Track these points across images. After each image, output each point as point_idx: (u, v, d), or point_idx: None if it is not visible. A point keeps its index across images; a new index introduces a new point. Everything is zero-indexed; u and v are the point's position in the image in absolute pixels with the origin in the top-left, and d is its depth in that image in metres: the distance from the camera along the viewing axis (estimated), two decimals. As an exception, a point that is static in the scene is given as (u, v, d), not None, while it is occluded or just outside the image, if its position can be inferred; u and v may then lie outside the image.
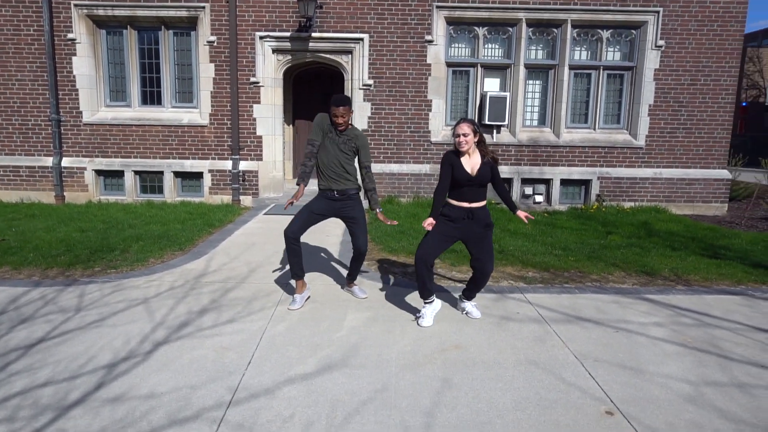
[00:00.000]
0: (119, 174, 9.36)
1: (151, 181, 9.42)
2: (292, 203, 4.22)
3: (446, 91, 9.48)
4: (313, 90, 10.46)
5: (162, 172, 9.32)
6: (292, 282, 4.95)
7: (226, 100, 9.12)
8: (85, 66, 8.99)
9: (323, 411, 2.81)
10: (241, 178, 9.31)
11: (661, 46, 9.16)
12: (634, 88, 9.43)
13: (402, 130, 9.40)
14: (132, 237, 6.42)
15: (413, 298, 4.60)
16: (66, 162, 9.21)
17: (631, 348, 3.63)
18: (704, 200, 9.57)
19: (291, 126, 10.47)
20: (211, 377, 3.15)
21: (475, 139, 3.86)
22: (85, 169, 9.22)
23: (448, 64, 9.39)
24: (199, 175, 9.38)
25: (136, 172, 9.33)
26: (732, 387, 3.12)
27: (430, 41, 9.14)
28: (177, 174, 9.36)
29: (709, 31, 9.16)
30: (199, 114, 9.24)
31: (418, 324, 3.99)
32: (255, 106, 9.18)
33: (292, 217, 4.16)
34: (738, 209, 9.81)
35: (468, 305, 4.22)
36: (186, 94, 9.37)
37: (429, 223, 3.88)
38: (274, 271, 5.32)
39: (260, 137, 9.30)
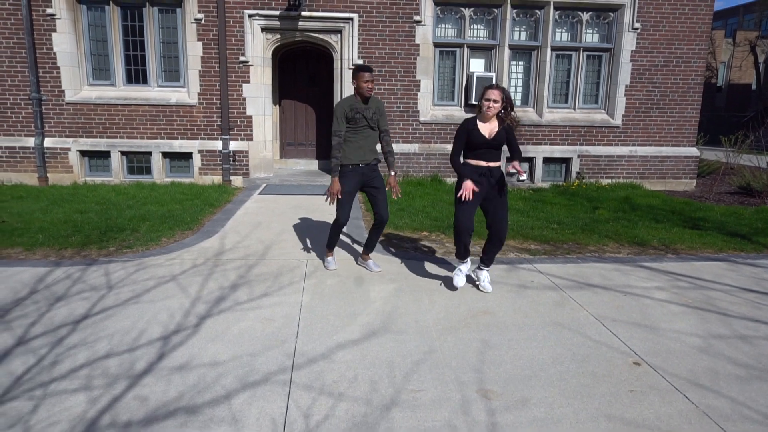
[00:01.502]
0: (105, 155, 9.18)
1: (138, 161, 9.29)
2: (336, 198, 4.52)
3: (434, 71, 9.66)
4: (299, 70, 10.45)
5: (150, 153, 9.20)
6: (311, 259, 5.11)
7: (215, 80, 9.04)
8: (66, 43, 8.72)
9: (383, 371, 3.04)
10: (231, 159, 9.30)
11: (637, 29, 9.59)
12: (612, 69, 9.86)
13: (391, 110, 9.55)
14: (137, 217, 6.42)
15: (431, 269, 4.85)
16: (48, 142, 8.97)
17: (641, 309, 4.00)
18: (675, 176, 10.17)
19: (277, 106, 10.46)
20: (265, 346, 3.32)
21: (502, 107, 4.01)
22: (69, 149, 9.01)
23: (436, 45, 9.57)
24: (188, 156, 9.31)
25: (123, 153, 9.18)
26: (735, 338, 3.52)
27: (419, 21, 9.28)
28: (165, 154, 9.26)
29: (681, 15, 9.64)
30: (187, 93, 9.13)
31: (453, 283, 4.25)
32: (245, 85, 9.14)
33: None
34: (704, 185, 10.47)
35: (483, 275, 4.39)
36: (173, 73, 9.22)
37: (469, 188, 3.92)
38: (288, 248, 5.46)
39: (250, 117, 9.28)
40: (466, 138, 4.06)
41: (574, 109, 10.03)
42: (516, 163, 4.00)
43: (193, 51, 8.92)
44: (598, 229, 6.33)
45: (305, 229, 6.28)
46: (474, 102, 9.53)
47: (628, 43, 9.64)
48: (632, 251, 5.58)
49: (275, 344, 3.35)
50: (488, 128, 4.05)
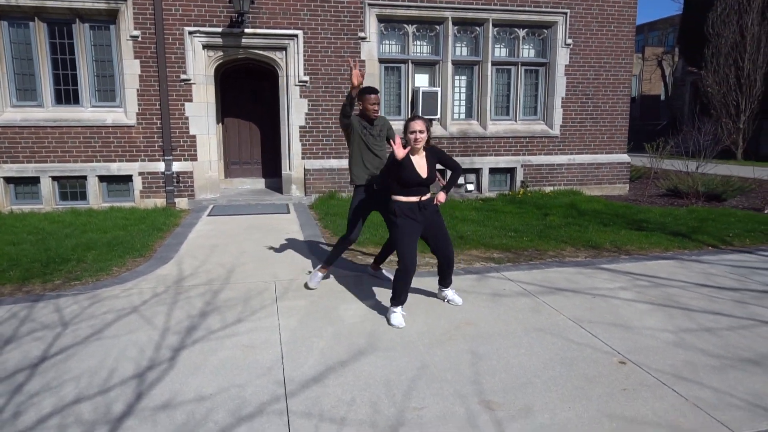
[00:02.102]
0: (34, 181, 8.51)
1: (72, 187, 8.69)
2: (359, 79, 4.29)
3: (380, 86, 9.74)
4: (241, 87, 10.21)
5: (85, 177, 8.62)
6: (308, 273, 4.96)
7: (154, 99, 8.65)
8: (-15, 62, 8.06)
9: (380, 391, 2.96)
10: (175, 180, 8.90)
11: (569, 44, 10.14)
12: (548, 83, 10.35)
13: (339, 126, 9.49)
14: (80, 246, 5.96)
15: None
16: (-33, 170, 8.21)
17: (611, 309, 4.16)
18: (610, 182, 10.78)
19: (220, 124, 10.14)
20: (251, 375, 3.15)
21: (427, 137, 3.86)
22: (-9, 177, 8.28)
23: (381, 61, 9.66)
24: (127, 179, 8.80)
25: (54, 178, 8.55)
26: (702, 331, 3.73)
27: (363, 38, 9.35)
28: (102, 178, 8.72)
29: (608, 32, 10.31)
30: (124, 113, 8.67)
31: (389, 323, 3.89)
32: (187, 104, 8.80)
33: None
34: (635, 189, 11.15)
35: (449, 293, 4.35)
36: (108, 93, 8.73)
37: (402, 148, 3.71)
38: (252, 271, 5.26)
39: (194, 137, 8.94)
40: (397, 174, 3.82)
41: (516, 120, 10.43)
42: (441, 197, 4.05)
43: (130, 69, 8.50)
44: (553, 235, 6.56)
45: (265, 249, 6.08)
46: (421, 116, 9.66)
47: (562, 57, 10.17)
48: (589, 254, 5.82)
49: (262, 372, 3.18)
50: (422, 164, 3.87)
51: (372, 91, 4.46)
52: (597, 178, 10.69)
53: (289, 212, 8.41)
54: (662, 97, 34.05)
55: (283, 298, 4.46)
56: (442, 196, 3.99)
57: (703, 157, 12.50)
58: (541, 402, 2.84)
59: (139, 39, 8.44)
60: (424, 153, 3.91)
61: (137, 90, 8.57)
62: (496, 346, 3.52)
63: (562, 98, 10.30)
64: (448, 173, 4.37)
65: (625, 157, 10.82)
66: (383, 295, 4.54)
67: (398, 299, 3.95)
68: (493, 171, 10.34)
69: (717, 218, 7.52)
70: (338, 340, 3.64)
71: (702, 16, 20.67)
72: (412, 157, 3.85)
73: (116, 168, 8.69)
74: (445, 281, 4.35)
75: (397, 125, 9.93)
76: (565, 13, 10.01)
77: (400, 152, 3.69)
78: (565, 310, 4.15)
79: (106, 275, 5.09)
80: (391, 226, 4.04)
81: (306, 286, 4.73)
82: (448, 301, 4.35)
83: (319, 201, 9.20)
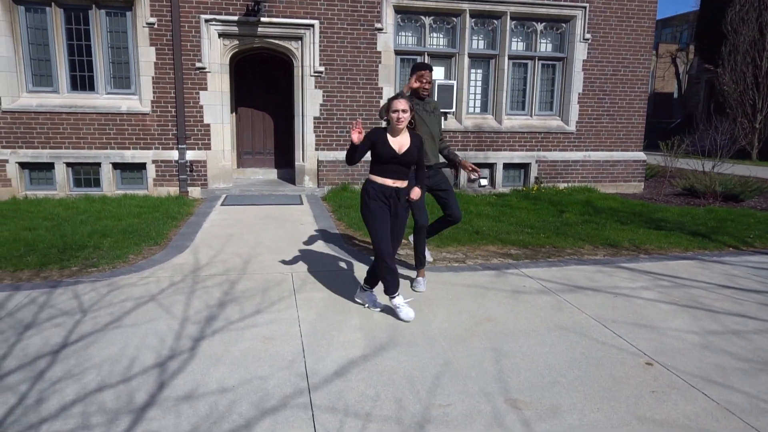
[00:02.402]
0: (48, 166, 8.52)
1: (86, 173, 8.69)
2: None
3: (395, 79, 9.65)
4: (255, 77, 10.15)
5: (99, 164, 8.62)
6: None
7: (169, 87, 8.61)
8: (2, 46, 8.04)
9: (404, 387, 2.92)
10: (188, 169, 8.88)
11: (588, 39, 10.00)
12: (565, 78, 10.22)
13: (354, 117, 9.45)
14: (95, 233, 5.95)
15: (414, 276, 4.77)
16: (-17, 154, 8.22)
17: (635, 309, 4.09)
18: (625, 180, 10.66)
19: (234, 114, 10.10)
20: (273, 367, 3.12)
21: (411, 117, 3.74)
22: (6, 161, 8.29)
23: (397, 53, 9.57)
24: (141, 166, 8.79)
25: (69, 164, 8.55)
26: (728, 334, 3.66)
27: (380, 29, 9.26)
28: (116, 165, 8.71)
29: (627, 27, 10.15)
30: (139, 101, 8.64)
31: (399, 317, 3.84)
32: (202, 92, 8.76)
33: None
34: (650, 187, 11.03)
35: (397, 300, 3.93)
36: (123, 80, 8.71)
37: (358, 131, 3.60)
38: (269, 262, 5.23)
39: (208, 125, 8.91)
40: (371, 148, 3.72)
41: (531, 116, 10.32)
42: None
43: (146, 56, 8.46)
44: (571, 232, 6.49)
45: (280, 240, 6.05)
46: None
47: (580, 52, 10.04)
48: (608, 253, 5.75)
49: (284, 365, 3.15)
50: (398, 142, 3.74)
51: (424, 67, 4.33)
52: (612, 176, 10.57)
53: (302, 203, 8.37)
54: (675, 95, 33.69)
55: (301, 290, 4.43)
56: (416, 192, 3.89)
57: (719, 156, 12.35)
58: (568, 402, 2.79)
59: (155, 26, 8.40)
60: (407, 135, 3.78)
61: (152, 77, 8.53)
62: (520, 344, 3.47)
63: (579, 94, 10.18)
64: (473, 171, 4.47)
65: (641, 155, 10.69)
66: (403, 288, 4.49)
67: (389, 287, 3.82)
68: (507, 166, 10.25)
69: (736, 219, 7.41)
70: (358, 334, 3.60)
71: (719, 13, 20.36)
72: (391, 138, 3.73)
73: (130, 155, 8.68)
74: (374, 281, 4.04)
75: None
76: (584, 8, 9.86)
77: (354, 136, 3.60)
78: (587, 308, 4.09)
79: (123, 263, 5.07)
80: (363, 207, 3.82)
81: (415, 290, 4.49)
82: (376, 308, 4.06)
83: (331, 193, 9.15)
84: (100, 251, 5.37)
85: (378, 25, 9.22)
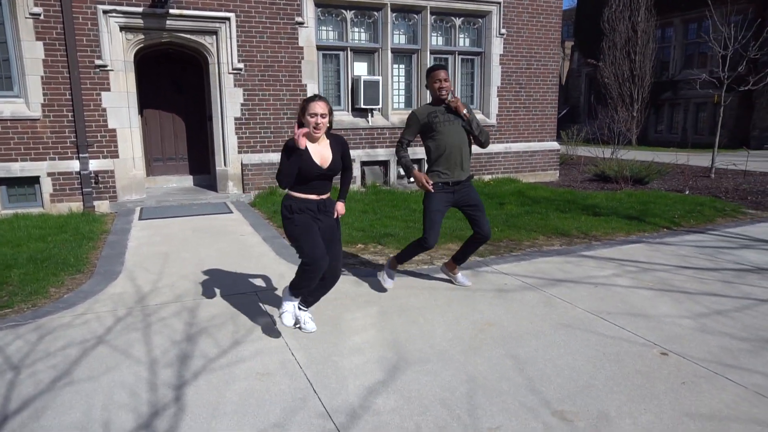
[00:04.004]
0: None
1: (-38, 193, 7.29)
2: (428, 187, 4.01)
3: (318, 75, 9.23)
4: (162, 75, 9.18)
5: (-21, 181, 7.28)
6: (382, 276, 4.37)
7: (64, 87, 7.48)
8: None
9: (442, 413, 2.64)
10: (93, 180, 7.79)
11: (503, 34, 10.27)
12: (484, 72, 10.43)
13: (278, 116, 8.89)
14: (-4, 266, 4.94)
15: (401, 284, 4.50)
16: None
17: (621, 298, 4.14)
18: (543, 169, 11.14)
19: (140, 116, 9.06)
20: (286, 409, 2.68)
21: (329, 121, 3.23)
22: None
23: (319, 48, 9.14)
24: (33, 180, 7.56)
25: (-62, 183, 7.12)
26: (715, 314, 3.81)
27: (301, 23, 8.77)
28: (1, 181, 7.41)
29: (537, 23, 10.57)
30: (26, 104, 7.41)
31: (302, 328, 3.46)
32: (104, 93, 7.72)
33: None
34: (564, 175, 11.64)
35: (305, 316, 3.46)
36: (2, 80, 7.41)
37: (302, 133, 3.09)
38: (224, 281, 4.65)
39: (114, 131, 7.88)
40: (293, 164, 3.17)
41: (454, 110, 10.38)
42: (339, 206, 3.51)
43: (32, 53, 7.26)
44: (520, 224, 6.56)
45: (225, 255, 5.44)
46: (363, 106, 9.33)
47: (497, 47, 10.28)
48: (563, 242, 5.86)
49: (296, 405, 2.73)
50: (320, 152, 3.26)
51: (438, 66, 4.02)
52: (531, 165, 11.00)
53: (231, 212, 7.70)
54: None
55: (275, 311, 3.95)
56: (341, 207, 3.51)
57: (617, 143, 13.36)
58: (613, 406, 2.68)
59: (42, 17, 7.23)
60: (327, 141, 3.32)
61: (42, 77, 7.35)
62: (533, 348, 3.32)
63: (498, 87, 10.43)
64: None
65: (555, 145, 11.23)
66: (387, 298, 4.19)
67: (297, 289, 3.32)
68: (435, 161, 10.23)
69: (655, 201, 7.98)
70: (362, 355, 3.25)
71: (595, 11, 22.18)
72: (311, 149, 3.23)
73: (18, 168, 7.42)
74: (312, 300, 3.52)
75: (337, 116, 9.51)
76: (499, 3, 10.10)
77: (301, 141, 3.08)
78: (577, 302, 4.07)
79: (44, 299, 4.23)
80: (287, 225, 3.31)
81: (382, 287, 4.33)
82: (298, 327, 3.48)
83: (260, 198, 8.54)
84: (8, 286, 4.44)
85: (299, 19, 8.72)
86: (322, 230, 3.36)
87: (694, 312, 3.85)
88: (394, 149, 9.68)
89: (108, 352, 3.30)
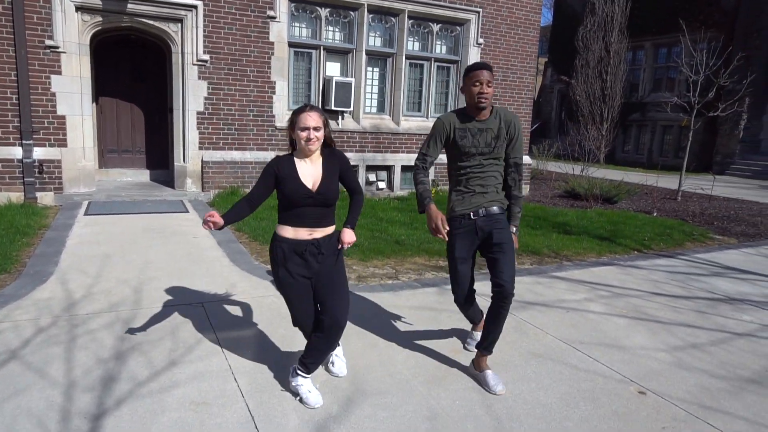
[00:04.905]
0: None
1: None
2: (443, 232, 2.84)
3: (289, 73, 8.84)
4: (121, 61, 8.64)
5: None
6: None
7: (9, 67, 6.89)
8: None
9: (400, 458, 2.32)
10: (37, 170, 7.20)
11: (481, 44, 10.10)
12: (459, 81, 10.23)
13: (244, 113, 8.46)
14: None
15: (360, 302, 4.17)
16: None
17: (593, 326, 3.92)
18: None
19: (95, 104, 8.49)
20: (219, 448, 2.32)
21: (324, 135, 2.68)
22: None
23: (291, 45, 8.76)
24: (-32, 167, 6.93)
25: None
26: (690, 348, 3.62)
27: (273, 17, 8.38)
28: (-69, 165, 6.76)
29: (515, 35, 10.46)
30: (-36, 83, 6.79)
31: (304, 404, 2.70)
32: (54, 77, 7.15)
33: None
34: (532, 189, 11.54)
35: (304, 385, 2.76)
36: (-61, 55, 6.77)
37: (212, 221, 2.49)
38: (168, 288, 4.23)
39: (63, 117, 7.31)
40: (274, 184, 2.67)
41: (427, 117, 10.16)
42: (345, 237, 2.77)
43: (-26, 27, 6.66)
44: (490, 240, 6.32)
45: (174, 259, 5.01)
46: (333, 107, 8.99)
47: (474, 56, 10.10)
48: (533, 261, 5.65)
49: (232, 443, 2.36)
50: (311, 173, 2.69)
51: (482, 65, 2.92)
52: (502, 179, 10.82)
53: (187, 211, 7.23)
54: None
55: (222, 327, 3.57)
56: (347, 235, 2.75)
57: (587, 160, 13.39)
58: (589, 454, 2.42)
59: (-13, -10, 6.64)
60: (320, 158, 2.74)
61: (-16, 55, 6.75)
62: (503, 380, 3.04)
63: (473, 98, 10.23)
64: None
65: (527, 159, 11.12)
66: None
67: (309, 365, 2.77)
68: (405, 168, 9.97)
69: (626, 221, 7.89)
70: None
71: (570, 29, 22.47)
72: (301, 168, 2.68)
73: (-48, 153, 6.79)
74: (311, 362, 2.75)
75: (306, 116, 9.12)
76: (478, 12, 9.93)
77: (210, 224, 2.50)
78: (548, 328, 3.82)
79: (-43, 302, 3.73)
80: (272, 268, 2.77)
81: (467, 348, 3.43)
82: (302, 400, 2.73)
83: (219, 198, 8.08)
84: None
85: (271, 13, 8.33)
86: (318, 275, 2.72)
87: (670, 344, 3.65)
88: (362, 154, 9.40)
89: (20, 371, 2.86)
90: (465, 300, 3.17)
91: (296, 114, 2.64)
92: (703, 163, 18.14)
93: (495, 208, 3.03)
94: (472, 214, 3.01)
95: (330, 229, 2.75)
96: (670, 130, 20.02)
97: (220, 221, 2.51)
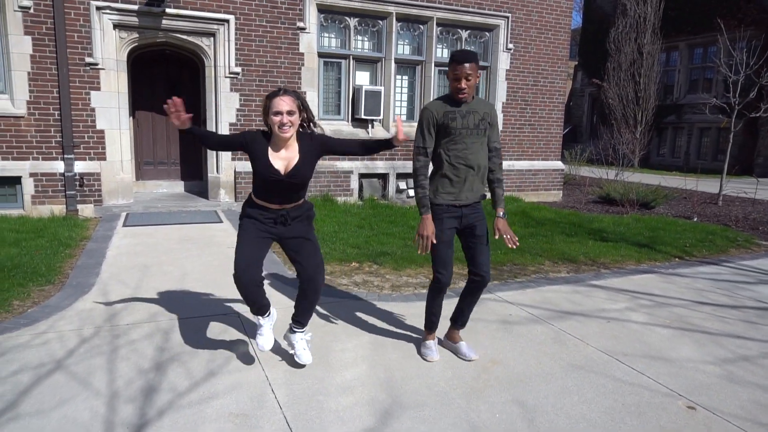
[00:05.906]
0: None
1: (-63, 190, 6.93)
2: (430, 245, 3.06)
3: (319, 83, 8.93)
4: (157, 76, 8.87)
5: (-44, 179, 6.92)
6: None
7: (51, 85, 7.15)
8: None
9: (441, 474, 2.27)
10: (78, 183, 7.43)
11: (511, 49, 10.01)
12: (490, 87, 10.15)
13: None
14: (-41, 272, 4.57)
15: (396, 310, 4.14)
16: None
17: (636, 337, 3.79)
18: (546, 188, 10.83)
19: (132, 118, 8.73)
20: (258, 461, 2.32)
21: (303, 120, 2.79)
22: None
23: (320, 55, 8.86)
24: (14, 180, 7.20)
25: None
26: (741, 361, 3.46)
27: (303, 29, 8.49)
28: (-20, 180, 7.05)
29: (546, 39, 10.33)
30: (10, 101, 7.07)
31: (257, 346, 3.03)
32: (93, 93, 7.39)
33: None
34: (567, 195, 11.33)
35: (297, 340, 3.10)
36: (-13, 75, 7.08)
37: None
38: (205, 299, 4.28)
39: (102, 132, 7.54)
40: (238, 148, 2.86)
41: (457, 125, 10.09)
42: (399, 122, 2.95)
43: (19, 47, 6.94)
44: (525, 247, 6.21)
45: (210, 269, 5.08)
46: (363, 116, 9.02)
47: (503, 62, 10.02)
48: (570, 269, 5.52)
49: (272, 456, 2.36)
50: (284, 157, 2.76)
51: (464, 57, 2.95)
52: (534, 185, 10.69)
53: (221, 221, 7.34)
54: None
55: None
56: (401, 134, 2.85)
57: (621, 164, 13.08)
58: (638, 473, 2.32)
59: (31, 11, 6.92)
60: (296, 144, 2.79)
61: (29, 73, 7.03)
62: (543, 393, 2.96)
63: (503, 103, 10.15)
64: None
65: (559, 164, 10.94)
66: (381, 328, 3.83)
67: (258, 310, 2.99)
68: (435, 176, 9.91)
69: (664, 227, 7.65)
70: (351, 395, 2.88)
71: (601, 32, 22.08)
72: (273, 152, 2.75)
73: (-1, 167, 7.07)
74: (301, 319, 3.07)
75: (336, 125, 9.20)
76: (507, 17, 9.86)
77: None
78: (589, 339, 3.72)
79: (5, 313, 3.85)
80: (239, 226, 2.97)
81: (425, 359, 3.35)
82: (293, 354, 3.11)
83: (252, 208, 8.18)
84: (-31, 297, 4.07)
85: (300, 24, 8.44)
86: (284, 243, 2.94)
87: (719, 357, 3.50)
88: (392, 162, 9.39)
89: (65, 381, 2.93)
90: (448, 283, 3.25)
91: (269, 98, 2.68)
92: (743, 165, 17.51)
93: (479, 196, 3.19)
94: (458, 203, 3.13)
95: (297, 203, 2.93)
96: (707, 132, 19.41)
97: (186, 118, 2.76)
